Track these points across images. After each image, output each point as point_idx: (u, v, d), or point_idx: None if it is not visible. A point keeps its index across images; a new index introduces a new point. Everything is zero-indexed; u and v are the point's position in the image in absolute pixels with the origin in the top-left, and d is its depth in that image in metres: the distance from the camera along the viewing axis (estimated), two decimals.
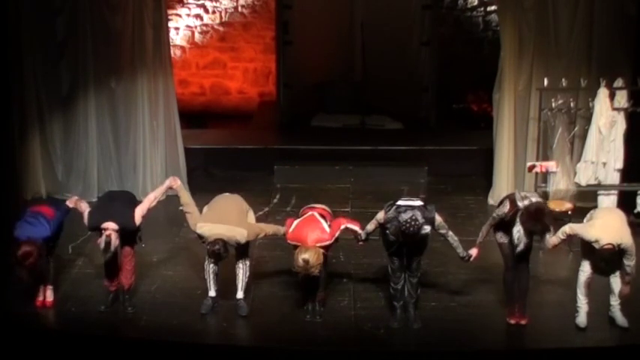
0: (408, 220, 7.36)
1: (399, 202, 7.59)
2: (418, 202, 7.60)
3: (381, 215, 7.72)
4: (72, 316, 8.09)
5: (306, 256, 7.49)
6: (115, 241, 7.68)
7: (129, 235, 7.93)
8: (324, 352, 7.62)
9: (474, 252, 7.92)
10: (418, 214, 7.41)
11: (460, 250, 7.87)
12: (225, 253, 7.70)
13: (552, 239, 7.68)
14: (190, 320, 7.99)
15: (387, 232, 7.66)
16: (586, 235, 7.54)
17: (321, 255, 7.61)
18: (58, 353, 7.58)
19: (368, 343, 7.68)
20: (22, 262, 7.51)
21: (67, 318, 8.07)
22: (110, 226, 7.69)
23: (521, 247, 7.61)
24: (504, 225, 7.76)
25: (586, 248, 7.67)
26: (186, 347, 7.64)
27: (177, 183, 8.24)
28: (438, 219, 7.67)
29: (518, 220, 7.56)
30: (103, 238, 7.66)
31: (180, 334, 7.77)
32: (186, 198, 8.10)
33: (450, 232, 7.80)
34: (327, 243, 7.78)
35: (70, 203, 8.20)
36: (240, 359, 7.70)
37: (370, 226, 7.93)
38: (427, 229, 7.55)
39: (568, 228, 7.67)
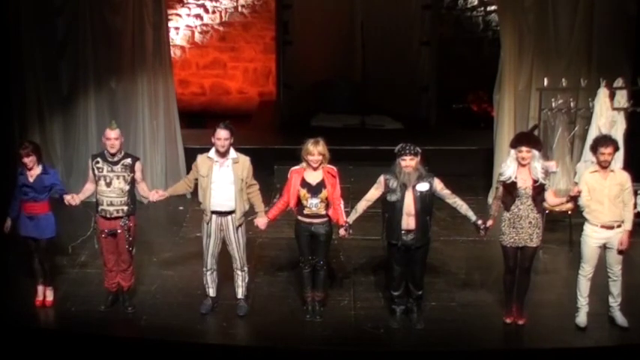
0: (404, 145, 7.48)
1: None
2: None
3: (380, 178, 7.72)
4: (72, 316, 8.09)
5: (320, 147, 7.78)
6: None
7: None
8: (324, 352, 7.62)
9: (489, 223, 7.76)
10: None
11: (471, 214, 7.72)
12: None
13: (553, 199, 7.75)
14: (190, 320, 7.99)
15: (388, 194, 7.61)
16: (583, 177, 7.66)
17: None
18: (58, 353, 7.58)
19: (368, 343, 7.68)
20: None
21: (67, 318, 8.07)
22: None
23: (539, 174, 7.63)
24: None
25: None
26: (187, 347, 7.64)
27: (158, 195, 8.11)
28: (439, 184, 7.64)
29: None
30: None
31: (180, 334, 7.77)
32: (174, 190, 8.32)
33: (457, 197, 7.71)
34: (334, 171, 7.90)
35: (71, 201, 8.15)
36: (240, 359, 7.70)
37: (363, 202, 7.85)
38: (426, 185, 7.54)
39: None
